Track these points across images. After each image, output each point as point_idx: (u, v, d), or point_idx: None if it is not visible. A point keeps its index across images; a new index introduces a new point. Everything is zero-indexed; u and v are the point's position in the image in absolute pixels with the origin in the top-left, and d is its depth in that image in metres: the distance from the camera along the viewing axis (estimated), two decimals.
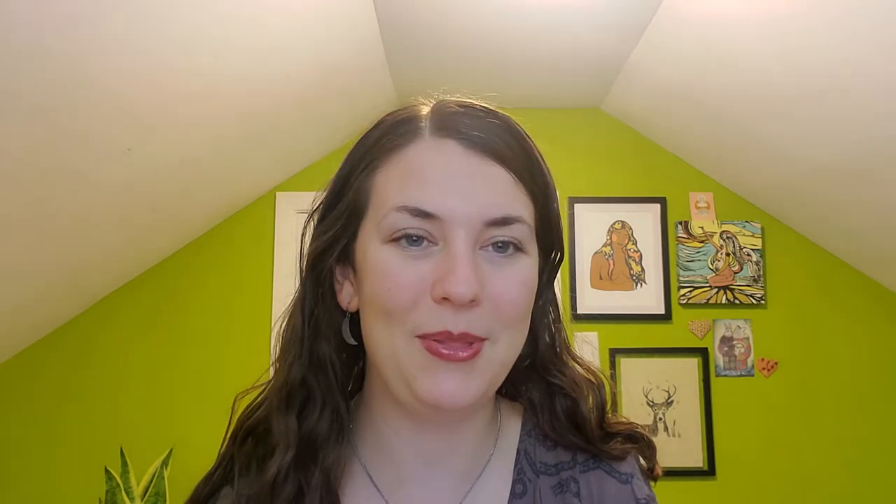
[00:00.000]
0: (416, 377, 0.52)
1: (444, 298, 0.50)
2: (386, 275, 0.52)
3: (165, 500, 2.08)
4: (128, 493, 2.06)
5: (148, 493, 2.07)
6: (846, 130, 1.80)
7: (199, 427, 2.19)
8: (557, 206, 0.59)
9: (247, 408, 0.61)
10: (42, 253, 1.76)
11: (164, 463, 2.11)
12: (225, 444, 0.61)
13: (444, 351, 0.51)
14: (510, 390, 0.65)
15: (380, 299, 0.52)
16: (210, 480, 0.60)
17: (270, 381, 0.61)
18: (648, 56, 2.00)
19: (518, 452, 0.61)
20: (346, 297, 0.58)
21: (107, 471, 2.07)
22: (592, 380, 0.63)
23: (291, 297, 0.61)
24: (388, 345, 0.53)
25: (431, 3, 1.75)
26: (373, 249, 0.53)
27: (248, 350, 2.24)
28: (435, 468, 0.58)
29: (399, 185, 0.52)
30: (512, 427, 0.63)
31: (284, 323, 0.60)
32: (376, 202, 0.54)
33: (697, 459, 2.27)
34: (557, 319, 0.63)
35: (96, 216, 1.78)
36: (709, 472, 2.26)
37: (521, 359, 0.59)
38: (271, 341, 2.34)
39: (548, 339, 0.62)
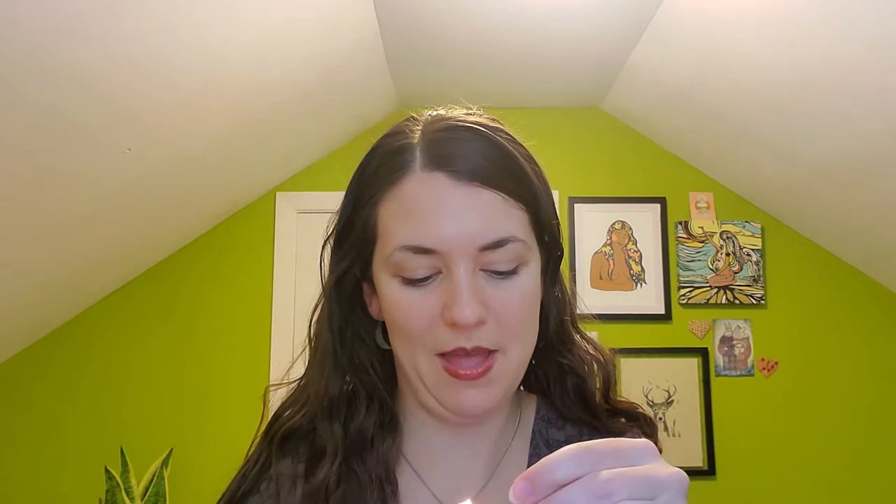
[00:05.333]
0: (441, 393, 0.58)
1: (453, 323, 0.55)
2: (399, 307, 0.57)
3: (165, 500, 2.08)
4: (128, 493, 2.06)
5: (148, 494, 2.07)
6: (847, 130, 1.80)
7: (199, 427, 2.19)
8: (552, 205, 0.63)
9: (281, 408, 0.66)
10: (42, 252, 1.76)
11: (164, 463, 2.11)
12: (256, 442, 0.65)
13: (461, 372, 0.56)
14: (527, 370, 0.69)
15: (397, 326, 0.58)
16: (246, 478, 0.63)
17: (302, 379, 0.65)
18: (649, 56, 2.00)
19: (533, 433, 0.67)
20: (376, 309, 0.63)
21: (107, 471, 2.07)
22: (600, 357, 0.68)
23: (314, 310, 0.65)
24: (411, 363, 0.59)
25: (431, 4, 1.75)
26: (384, 281, 0.58)
27: (249, 350, 2.25)
28: (462, 452, 0.64)
29: (399, 222, 0.57)
30: (529, 414, 0.69)
31: (312, 335, 0.65)
32: (382, 236, 0.58)
33: (697, 459, 2.27)
34: (565, 305, 0.67)
35: (96, 216, 1.78)
36: (709, 471, 2.26)
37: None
38: (271, 341, 2.34)
39: (557, 323, 0.66)
